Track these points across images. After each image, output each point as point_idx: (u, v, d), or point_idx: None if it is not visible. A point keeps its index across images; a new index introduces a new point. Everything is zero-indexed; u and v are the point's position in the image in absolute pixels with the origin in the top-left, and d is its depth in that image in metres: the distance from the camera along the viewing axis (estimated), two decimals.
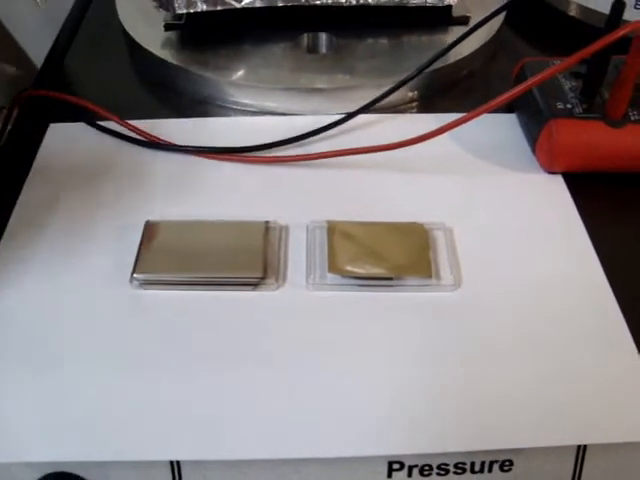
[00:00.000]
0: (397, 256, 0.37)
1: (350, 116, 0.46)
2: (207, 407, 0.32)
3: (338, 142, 0.45)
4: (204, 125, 0.48)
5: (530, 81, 0.34)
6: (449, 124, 0.37)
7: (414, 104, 0.51)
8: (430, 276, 0.37)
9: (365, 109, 0.46)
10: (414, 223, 0.39)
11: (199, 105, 0.51)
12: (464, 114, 0.37)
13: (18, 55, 0.68)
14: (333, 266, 0.37)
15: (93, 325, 0.35)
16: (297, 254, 0.38)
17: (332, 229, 0.39)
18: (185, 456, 0.30)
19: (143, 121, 0.47)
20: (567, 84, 0.44)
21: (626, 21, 0.39)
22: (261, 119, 0.49)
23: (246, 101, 0.50)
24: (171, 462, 0.30)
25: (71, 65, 0.56)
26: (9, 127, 0.49)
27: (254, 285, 0.37)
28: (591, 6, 0.56)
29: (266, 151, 0.45)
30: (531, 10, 0.58)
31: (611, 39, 0.35)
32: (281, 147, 0.45)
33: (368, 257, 0.37)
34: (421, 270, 0.37)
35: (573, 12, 0.58)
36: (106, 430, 0.31)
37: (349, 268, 0.37)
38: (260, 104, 0.50)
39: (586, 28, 0.56)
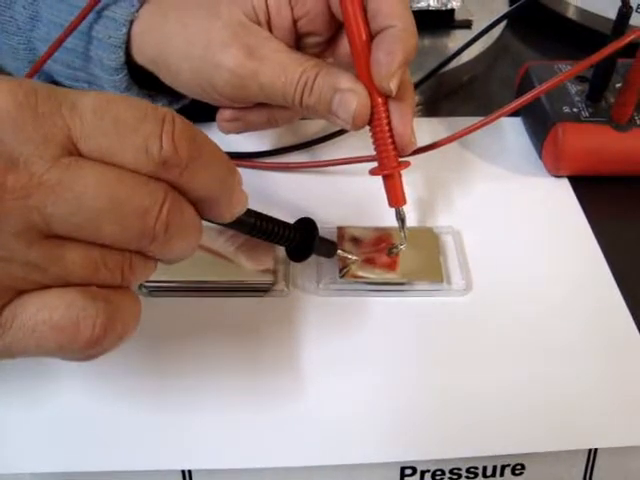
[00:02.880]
0: (408, 261, 0.37)
1: None
2: (217, 415, 0.32)
3: (346, 147, 0.45)
4: (209, 130, 0.48)
5: (543, 87, 0.34)
6: (463, 130, 0.37)
7: (418, 108, 0.51)
8: (441, 280, 0.37)
9: None
10: (424, 227, 0.39)
11: (203, 109, 0.50)
12: (475, 118, 0.37)
13: None
14: (344, 271, 0.37)
15: None
16: (307, 260, 0.38)
17: (342, 234, 0.39)
18: (197, 465, 0.30)
19: None
20: (573, 88, 0.45)
21: (632, 26, 0.39)
22: None
23: None
24: (182, 471, 0.30)
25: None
26: None
27: (264, 291, 0.36)
28: (590, 9, 0.56)
29: (274, 157, 0.45)
30: (531, 14, 0.58)
31: (619, 45, 0.35)
32: (289, 152, 0.45)
33: (379, 262, 0.37)
34: (432, 275, 0.37)
35: (572, 15, 0.58)
36: (116, 440, 0.31)
37: (360, 273, 0.37)
38: None
39: (585, 31, 0.56)
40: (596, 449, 0.31)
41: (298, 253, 0.35)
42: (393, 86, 0.33)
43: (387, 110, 0.35)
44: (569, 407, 0.32)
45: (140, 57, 0.38)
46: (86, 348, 0.23)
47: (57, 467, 0.30)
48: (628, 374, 0.33)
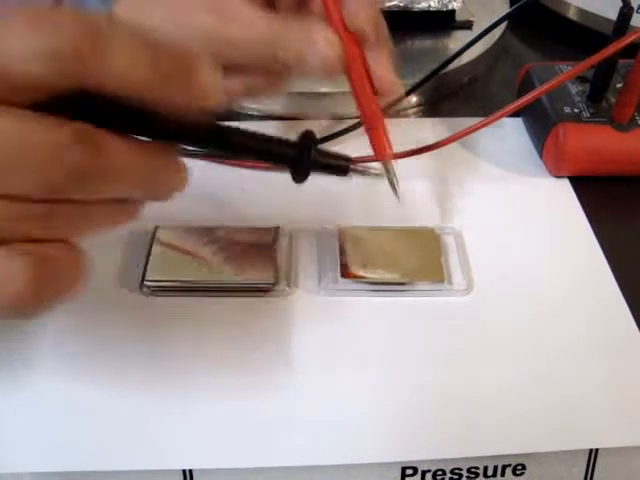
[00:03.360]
0: (409, 261, 0.37)
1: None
2: (218, 415, 0.32)
3: (347, 146, 0.45)
4: None
5: (544, 87, 0.34)
6: (464, 130, 0.37)
7: (419, 108, 0.51)
8: (442, 281, 0.37)
9: None
10: (425, 227, 0.39)
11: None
12: (476, 119, 0.38)
13: None
14: (345, 271, 0.37)
15: (102, 333, 0.35)
16: (308, 259, 0.38)
17: (343, 234, 0.39)
18: (197, 465, 0.30)
19: None
20: (574, 88, 0.45)
21: (633, 27, 0.40)
22: (268, 124, 0.49)
23: (252, 105, 0.50)
24: (183, 471, 0.30)
25: None
26: None
27: (265, 291, 0.37)
28: (591, 10, 0.56)
29: None
30: (532, 15, 0.58)
31: (621, 45, 0.36)
32: None
33: (380, 262, 0.37)
34: (433, 275, 0.37)
35: (573, 16, 0.58)
36: (116, 439, 0.31)
37: (361, 273, 0.37)
38: (265, 108, 0.50)
39: (586, 31, 0.56)
40: (597, 449, 0.31)
41: (300, 172, 0.31)
42: (367, 28, 0.33)
43: (364, 59, 0.34)
44: (570, 407, 0.32)
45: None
46: (18, 305, 0.22)
47: (57, 467, 0.30)
48: (629, 374, 0.33)
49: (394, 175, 0.36)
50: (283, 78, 0.37)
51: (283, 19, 0.35)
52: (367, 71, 0.34)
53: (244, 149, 0.29)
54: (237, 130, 0.28)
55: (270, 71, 0.35)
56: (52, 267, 0.23)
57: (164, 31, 0.35)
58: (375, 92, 0.35)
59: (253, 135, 0.29)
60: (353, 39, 0.34)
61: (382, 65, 0.34)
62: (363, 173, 0.32)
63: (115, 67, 0.21)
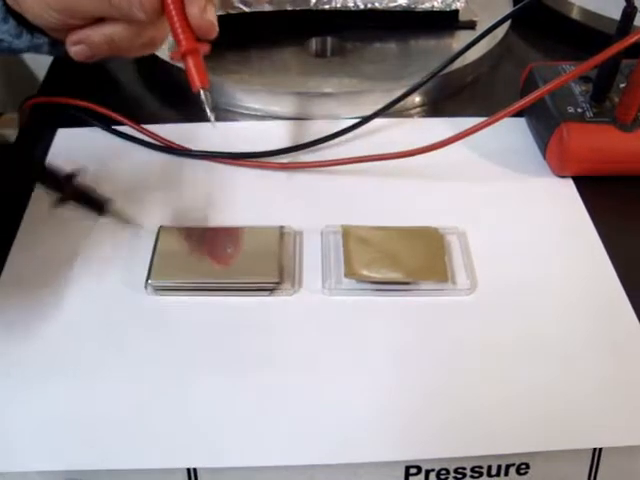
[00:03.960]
0: (413, 260, 0.37)
1: (365, 121, 0.46)
2: (223, 414, 0.32)
3: (350, 147, 0.46)
4: (212, 129, 0.48)
5: (547, 87, 0.34)
6: (467, 130, 0.37)
7: (422, 108, 0.51)
8: (446, 280, 0.37)
9: (379, 114, 0.47)
10: (428, 227, 0.39)
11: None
12: (479, 118, 0.38)
13: (23, 62, 0.68)
14: (349, 271, 0.37)
15: (108, 333, 0.35)
16: (312, 259, 0.38)
17: (347, 234, 0.39)
18: (202, 463, 0.30)
19: (154, 125, 0.47)
20: (577, 88, 0.45)
21: (636, 26, 0.40)
22: (271, 124, 0.49)
23: (254, 105, 0.50)
24: (188, 470, 0.30)
25: (77, 70, 0.55)
26: (17, 133, 0.49)
27: (270, 290, 0.37)
28: (594, 10, 0.56)
29: (280, 156, 0.45)
30: (535, 14, 0.58)
31: (624, 45, 0.36)
32: (294, 152, 0.45)
33: (384, 262, 0.37)
34: (437, 274, 0.37)
35: (576, 16, 0.58)
36: (122, 438, 0.31)
37: (365, 273, 0.37)
38: (268, 108, 0.50)
39: (589, 31, 0.56)
40: (601, 448, 0.31)
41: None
42: None
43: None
44: (574, 406, 0.32)
45: None
46: None
47: (63, 465, 0.30)
48: (633, 373, 0.33)
49: (210, 104, 0.37)
50: (141, 30, 0.39)
51: None
52: (183, 9, 0.36)
53: None
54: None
55: (126, 21, 0.38)
56: None
57: None
58: (189, 26, 0.36)
59: None
60: None
61: (195, 3, 0.36)
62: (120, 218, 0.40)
63: None
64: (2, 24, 0.41)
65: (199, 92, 0.37)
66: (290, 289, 0.37)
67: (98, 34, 0.39)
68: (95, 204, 0.39)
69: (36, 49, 0.43)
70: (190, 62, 0.36)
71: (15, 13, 0.40)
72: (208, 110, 0.37)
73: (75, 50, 0.40)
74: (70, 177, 0.38)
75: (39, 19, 0.39)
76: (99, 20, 0.38)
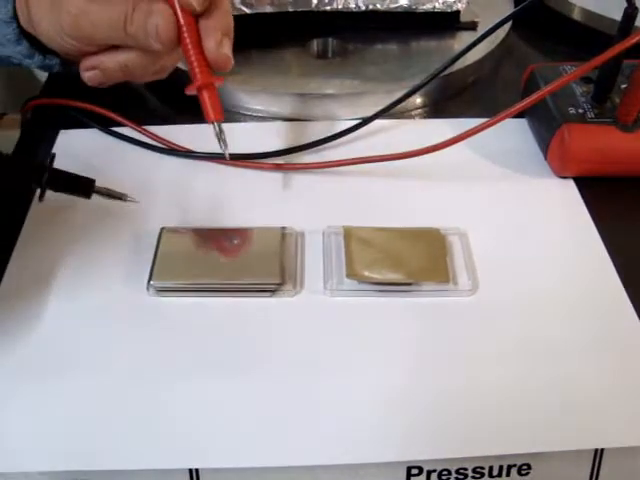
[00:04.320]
0: (414, 261, 0.37)
1: (366, 122, 0.46)
2: (224, 414, 0.32)
3: (352, 148, 0.46)
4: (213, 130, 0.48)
5: (548, 87, 0.35)
6: (469, 131, 0.37)
7: (423, 109, 0.51)
8: (448, 281, 0.37)
9: (380, 114, 0.47)
10: (430, 228, 0.39)
11: None
12: (480, 119, 0.38)
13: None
14: (351, 271, 0.37)
15: (110, 334, 0.35)
16: (314, 260, 0.38)
17: (349, 235, 0.39)
18: (204, 464, 0.30)
19: (155, 127, 0.47)
20: (578, 89, 0.45)
21: (637, 27, 0.40)
22: (272, 125, 0.49)
23: (255, 106, 0.50)
24: (190, 470, 0.30)
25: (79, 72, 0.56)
26: (19, 134, 0.49)
27: (272, 291, 0.37)
28: (595, 10, 0.56)
29: (281, 157, 0.45)
30: (536, 15, 0.58)
31: (625, 46, 0.36)
32: (295, 153, 0.45)
33: (385, 262, 0.37)
34: (439, 275, 0.37)
35: (577, 16, 0.58)
36: (124, 439, 0.31)
37: (367, 273, 0.37)
38: (269, 109, 0.50)
39: (590, 32, 0.56)
40: (602, 449, 0.31)
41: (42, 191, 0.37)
42: (194, 2, 0.36)
43: (197, 29, 0.37)
44: (575, 407, 0.32)
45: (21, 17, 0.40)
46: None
47: (65, 466, 0.30)
48: (635, 374, 0.33)
49: (223, 136, 0.38)
50: (155, 59, 0.39)
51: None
52: (199, 41, 0.37)
53: None
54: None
55: (141, 50, 0.38)
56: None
57: (47, 18, 0.39)
58: (205, 58, 0.37)
59: None
60: (185, 11, 0.36)
61: (213, 38, 0.37)
62: (108, 194, 0.39)
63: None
64: (15, 45, 0.41)
65: (213, 124, 0.37)
66: (292, 290, 0.37)
67: (112, 61, 0.39)
68: (80, 187, 0.38)
69: (47, 68, 0.43)
70: (205, 96, 0.37)
71: (29, 35, 0.40)
72: (221, 143, 0.38)
73: (89, 75, 0.41)
74: (42, 166, 0.37)
75: (53, 43, 0.40)
76: (113, 47, 0.39)
